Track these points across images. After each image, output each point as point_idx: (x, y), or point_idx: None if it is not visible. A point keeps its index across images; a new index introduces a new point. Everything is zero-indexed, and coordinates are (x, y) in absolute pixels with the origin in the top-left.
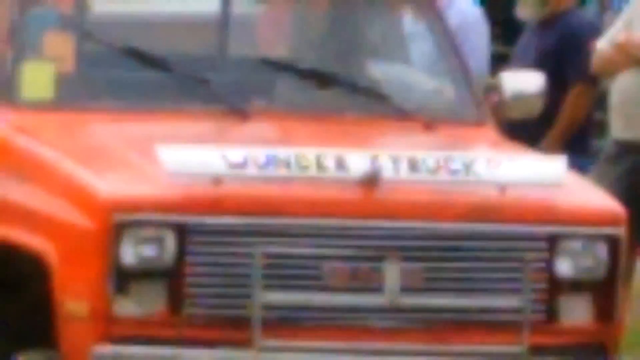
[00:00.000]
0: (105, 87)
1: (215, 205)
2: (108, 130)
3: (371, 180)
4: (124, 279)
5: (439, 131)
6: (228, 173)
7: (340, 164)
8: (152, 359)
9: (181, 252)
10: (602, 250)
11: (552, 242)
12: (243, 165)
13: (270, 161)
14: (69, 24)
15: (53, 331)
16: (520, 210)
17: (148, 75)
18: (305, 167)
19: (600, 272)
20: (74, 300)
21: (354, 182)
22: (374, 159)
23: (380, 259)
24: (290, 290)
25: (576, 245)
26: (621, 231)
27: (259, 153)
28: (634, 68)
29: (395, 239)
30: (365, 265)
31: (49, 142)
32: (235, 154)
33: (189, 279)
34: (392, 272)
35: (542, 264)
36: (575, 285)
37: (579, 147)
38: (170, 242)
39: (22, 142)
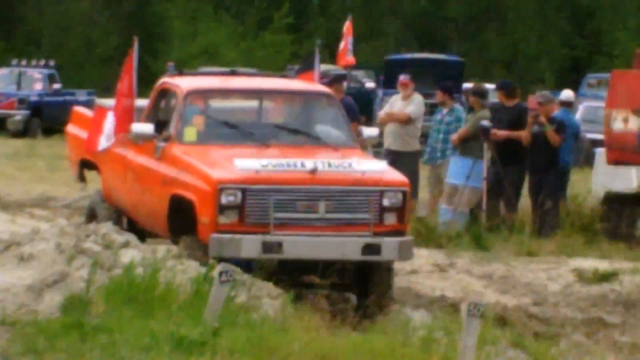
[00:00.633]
0: (215, 136)
1: (255, 181)
2: (217, 152)
3: (313, 171)
4: (221, 209)
5: (339, 151)
6: (260, 169)
7: (303, 164)
8: (231, 238)
9: (244, 198)
10: (400, 195)
11: (382, 193)
12: (266, 165)
13: (277, 164)
14: (200, 111)
15: (197, 229)
16: (371, 181)
17: (231, 131)
18: (290, 165)
19: (399, 204)
20: (205, 217)
21: (307, 171)
22: (315, 162)
23: (316, 200)
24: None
25: (391, 194)
26: (407, 187)
27: (272, 161)
28: (393, 123)
29: (322, 192)
30: (310, 203)
31: (194, 156)
32: (264, 161)
33: (245, 210)
34: (322, 208)
35: (377, 201)
36: (390, 209)
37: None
38: (240, 196)
39: (183, 156)
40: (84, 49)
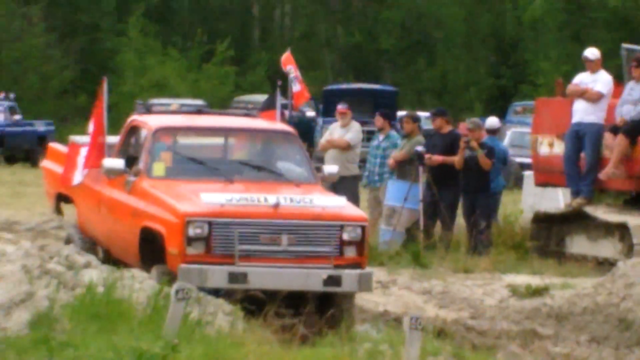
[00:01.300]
0: (182, 172)
1: (220, 214)
2: (184, 186)
3: (276, 206)
4: (189, 240)
5: (300, 187)
6: (225, 203)
7: (266, 199)
8: (199, 269)
9: (210, 230)
10: (359, 230)
11: (342, 227)
12: (231, 200)
13: (241, 198)
14: (168, 148)
15: (166, 259)
16: (331, 216)
17: (198, 167)
18: (254, 200)
19: (358, 238)
20: (173, 248)
21: (270, 206)
22: (278, 197)
23: (279, 233)
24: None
25: (350, 228)
26: (366, 222)
27: (237, 195)
28: (333, 149)
29: (285, 226)
30: (273, 236)
31: (163, 190)
32: (229, 195)
33: (212, 242)
34: (285, 241)
35: (338, 235)
36: (350, 243)
37: None
38: (206, 228)
39: (152, 190)
40: (41, 82)
